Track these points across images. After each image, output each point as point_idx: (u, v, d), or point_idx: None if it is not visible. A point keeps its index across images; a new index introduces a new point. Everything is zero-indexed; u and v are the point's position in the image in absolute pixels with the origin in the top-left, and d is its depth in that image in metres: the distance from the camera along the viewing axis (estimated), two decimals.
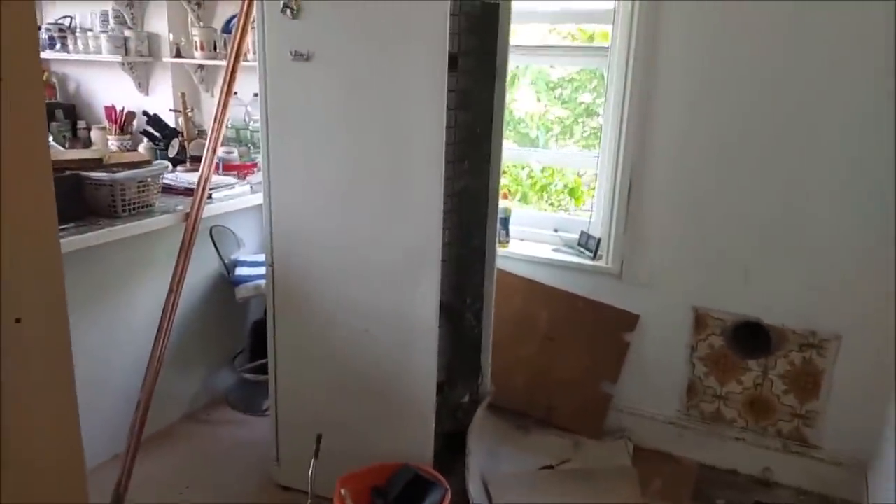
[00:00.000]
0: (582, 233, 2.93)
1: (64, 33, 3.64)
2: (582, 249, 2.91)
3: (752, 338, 2.60)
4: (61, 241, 1.36)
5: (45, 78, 3.77)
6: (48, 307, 1.07)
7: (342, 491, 2.06)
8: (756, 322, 2.57)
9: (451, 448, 2.41)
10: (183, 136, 3.22)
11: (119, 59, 3.51)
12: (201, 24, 3.44)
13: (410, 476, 2.18)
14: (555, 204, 3.71)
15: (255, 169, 3.03)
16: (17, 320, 1.01)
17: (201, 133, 3.28)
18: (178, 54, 3.45)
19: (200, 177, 2.58)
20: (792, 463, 2.59)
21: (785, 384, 2.57)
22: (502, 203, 2.75)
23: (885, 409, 2.34)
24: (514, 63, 2.80)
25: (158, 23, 3.57)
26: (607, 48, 2.78)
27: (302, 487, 2.17)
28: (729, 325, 2.62)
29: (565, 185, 3.77)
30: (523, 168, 3.73)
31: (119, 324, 2.59)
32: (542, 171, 3.77)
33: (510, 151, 3.30)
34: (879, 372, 2.38)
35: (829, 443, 2.53)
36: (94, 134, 3.63)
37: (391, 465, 2.21)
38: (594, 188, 3.04)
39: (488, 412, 2.67)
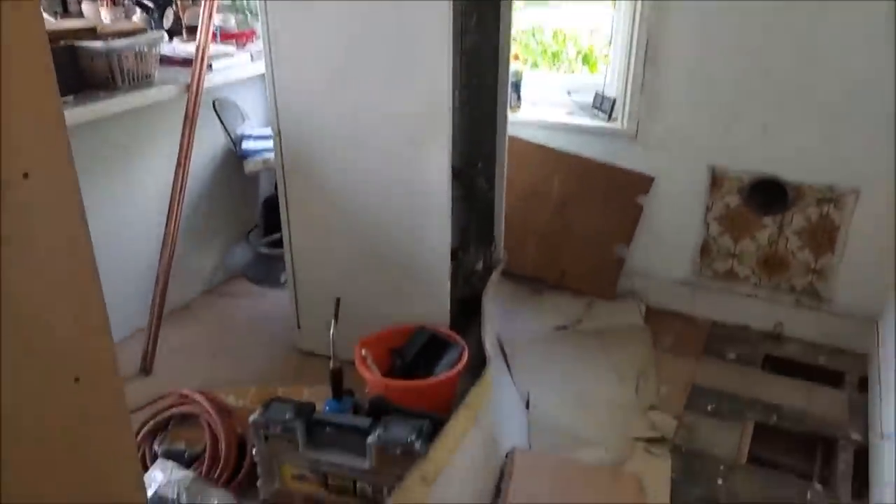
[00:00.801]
0: (596, 94, 2.84)
1: None
2: (596, 111, 2.82)
3: (768, 195, 2.56)
4: None
5: None
6: (54, 164, 1.04)
7: (363, 351, 2.12)
8: (773, 179, 2.53)
9: (466, 313, 2.46)
10: (177, 4, 3.07)
11: None
12: None
13: (427, 337, 2.24)
14: (567, 72, 3.57)
15: (254, 37, 2.91)
16: (25, 175, 0.98)
17: (196, 1, 3.12)
18: None
19: (198, 45, 2.48)
20: (803, 317, 2.63)
21: (800, 240, 2.56)
22: (513, 66, 2.65)
23: None
24: None
25: None
26: None
27: (323, 352, 2.23)
28: (745, 183, 2.58)
29: (578, 52, 3.61)
30: (534, 35, 3.56)
31: (129, 200, 2.59)
32: (554, 37, 3.61)
33: (520, 12, 3.13)
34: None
35: (841, 296, 2.55)
36: (86, 7, 3.45)
37: (409, 327, 2.27)
38: (607, 55, 2.91)
39: (502, 278, 2.70)
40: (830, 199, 2.47)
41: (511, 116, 2.62)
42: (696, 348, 2.62)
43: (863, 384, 2.38)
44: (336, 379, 1.94)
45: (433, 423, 1.70)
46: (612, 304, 2.82)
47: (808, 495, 1.86)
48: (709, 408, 2.28)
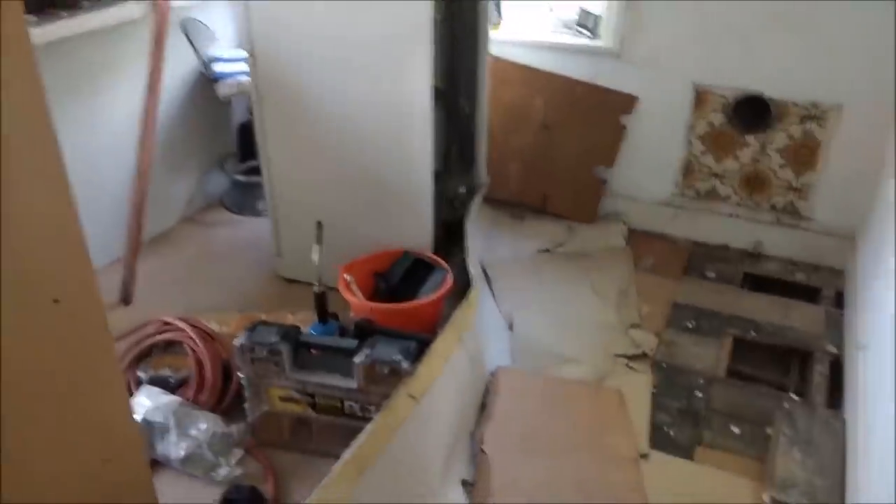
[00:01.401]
0: (581, 10, 2.75)
1: None
2: (580, 29, 2.75)
3: (752, 113, 2.54)
4: None
5: None
6: (23, 84, 0.98)
7: (346, 276, 2.11)
8: (757, 96, 2.50)
9: (449, 237, 2.45)
10: None
11: None
12: None
13: (411, 261, 2.23)
14: None
15: None
16: None
17: None
18: None
19: None
20: (782, 235, 2.65)
21: (782, 158, 2.56)
22: None
23: (880, 176, 2.35)
24: None
25: None
26: None
27: (306, 279, 2.22)
28: (730, 100, 2.55)
29: None
30: None
31: (100, 127, 2.50)
32: None
33: None
34: (877, 141, 2.35)
35: (820, 214, 2.58)
36: None
37: (392, 251, 2.25)
38: None
39: (484, 203, 2.69)
40: (814, 115, 2.45)
41: (492, 35, 2.54)
42: (677, 268, 2.64)
43: (839, 299, 2.43)
44: (321, 302, 1.93)
45: (419, 343, 1.71)
46: (594, 227, 2.83)
47: (785, 404, 1.91)
48: (689, 325, 2.32)
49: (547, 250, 2.69)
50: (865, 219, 2.43)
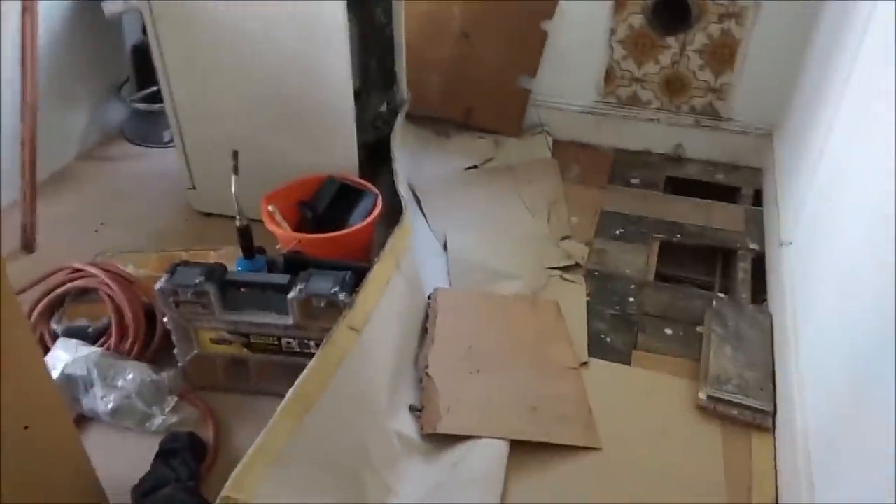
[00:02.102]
0: None
1: None
2: None
3: (672, 14, 2.50)
4: None
5: None
6: None
7: (269, 207, 1.99)
8: None
9: (374, 159, 2.35)
10: None
11: None
12: None
13: (337, 186, 2.13)
14: None
15: None
16: None
17: None
18: None
19: None
20: (703, 137, 2.69)
21: (701, 59, 2.56)
22: None
23: (796, 73, 2.39)
24: None
25: None
26: None
27: (224, 212, 2.09)
28: (649, 1, 2.50)
29: None
30: None
31: None
32: None
33: None
34: (794, 37, 2.37)
35: (739, 114, 2.61)
36: None
37: (316, 177, 2.14)
38: None
39: (408, 121, 2.58)
40: (732, 13, 2.44)
41: None
42: (602, 176, 2.65)
43: (758, 197, 2.50)
44: (245, 237, 1.82)
45: (355, 273, 1.65)
46: (520, 140, 2.78)
47: (713, 303, 1.98)
48: (617, 232, 2.35)
49: (475, 166, 2.63)
50: (782, 116, 2.48)
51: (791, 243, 1.93)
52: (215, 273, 1.66)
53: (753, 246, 2.25)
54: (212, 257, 2.02)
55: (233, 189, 1.77)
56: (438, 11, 2.71)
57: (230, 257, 1.92)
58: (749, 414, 1.68)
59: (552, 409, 1.68)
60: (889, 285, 1.18)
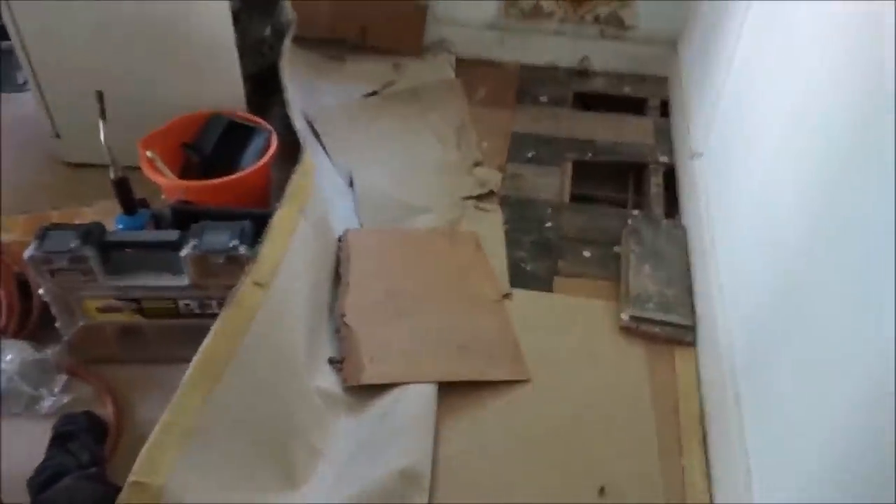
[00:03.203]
0: None
1: None
2: None
3: None
4: None
5: None
6: None
7: (148, 153, 1.77)
8: None
9: (263, 90, 2.14)
10: None
11: None
12: None
13: (224, 124, 1.93)
14: None
15: None
16: None
17: None
18: None
19: None
20: (608, 49, 2.62)
21: None
22: None
23: None
24: None
25: None
26: None
27: (97, 161, 1.85)
28: None
29: None
30: None
31: None
32: None
33: None
34: None
35: (643, 22, 2.55)
36: None
37: (199, 115, 1.93)
38: None
39: (297, 45, 2.35)
40: None
41: None
42: (510, 95, 2.55)
43: (665, 108, 2.48)
44: (123, 190, 1.62)
45: (254, 221, 1.49)
46: (422, 61, 2.61)
47: (629, 222, 1.95)
48: (529, 155, 2.27)
49: (375, 92, 2.46)
50: (686, 23, 2.43)
51: (702, 154, 1.91)
52: (93, 234, 1.46)
53: (664, 159, 2.23)
54: (87, 215, 1.79)
55: (102, 136, 1.55)
56: None
57: (108, 213, 1.70)
58: (671, 330, 1.68)
59: (479, 346, 1.62)
60: (809, 192, 1.16)
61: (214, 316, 1.33)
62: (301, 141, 1.82)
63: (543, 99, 2.54)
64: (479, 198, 2.07)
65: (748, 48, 1.67)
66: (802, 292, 1.14)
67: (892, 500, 0.78)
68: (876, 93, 0.97)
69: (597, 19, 2.57)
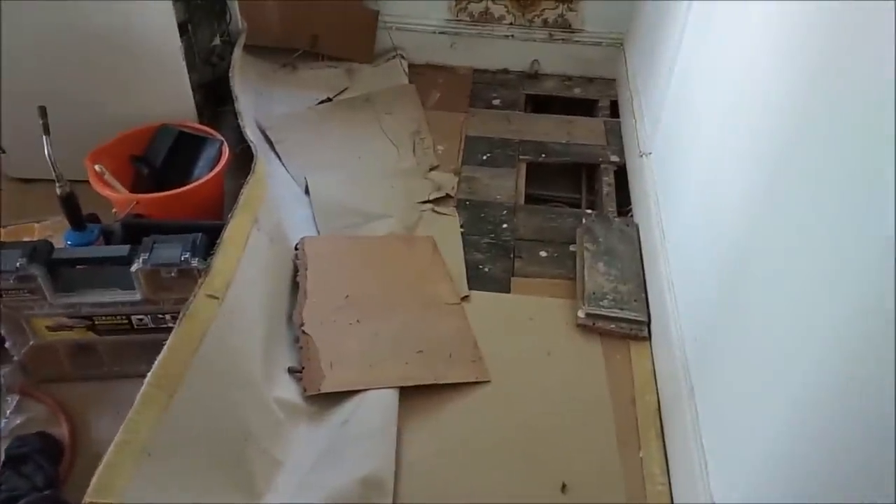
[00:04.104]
0: None
1: None
2: None
3: None
4: None
5: None
6: None
7: (96, 167, 1.74)
8: None
9: (213, 100, 2.12)
10: None
11: None
12: None
13: (175, 135, 1.90)
14: None
15: None
16: None
17: None
18: None
19: None
20: (557, 51, 2.66)
21: None
22: None
23: None
24: None
25: None
26: None
27: (45, 176, 1.80)
28: None
29: None
30: None
31: None
32: None
33: None
34: None
35: (590, 25, 2.60)
36: None
37: (147, 128, 1.90)
38: None
39: (247, 54, 2.34)
40: None
41: None
42: (463, 99, 2.57)
43: (614, 108, 2.52)
44: (70, 206, 1.58)
45: (207, 233, 1.48)
46: (374, 67, 2.62)
47: (583, 221, 1.99)
48: (484, 157, 2.29)
49: (328, 99, 2.45)
50: (631, 25, 2.49)
51: (651, 153, 1.95)
52: (40, 252, 1.42)
53: (615, 158, 2.27)
54: (35, 231, 1.76)
55: (47, 151, 1.52)
56: None
57: (58, 229, 1.68)
58: (626, 326, 1.72)
59: (438, 349, 1.63)
60: (748, 188, 1.20)
61: (168, 330, 1.32)
62: (254, 150, 1.81)
63: (496, 102, 2.57)
64: (436, 202, 2.09)
65: (689, 49, 1.72)
66: (743, 286, 1.18)
67: (838, 499, 0.81)
68: (810, 91, 1.01)
69: (545, 23, 2.61)
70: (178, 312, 1.33)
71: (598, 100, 2.57)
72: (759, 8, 1.26)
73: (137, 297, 1.44)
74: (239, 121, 1.94)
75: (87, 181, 1.74)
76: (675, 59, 1.80)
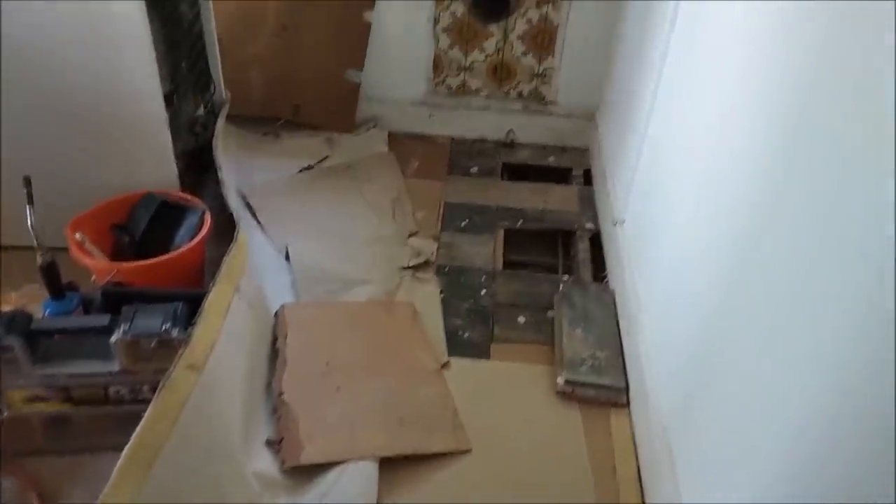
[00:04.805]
0: None
1: None
2: None
3: (492, 1, 2.52)
4: None
5: None
6: None
7: (77, 236, 1.75)
8: None
9: (196, 169, 2.15)
10: None
11: None
12: None
13: (157, 204, 1.92)
14: None
15: None
16: None
17: None
18: None
19: None
20: (532, 122, 2.75)
21: (524, 45, 2.60)
22: None
23: (612, 55, 2.49)
24: None
25: None
26: None
27: (23, 243, 1.80)
28: None
29: None
30: None
31: None
32: None
33: None
34: (607, 20, 2.47)
35: (563, 98, 2.70)
36: None
37: (130, 195, 1.92)
38: None
39: (230, 123, 2.39)
40: None
41: None
42: (442, 167, 2.63)
43: (587, 177, 2.60)
44: (50, 274, 1.58)
45: (188, 302, 1.48)
46: (355, 136, 2.69)
47: (560, 287, 2.02)
48: (462, 224, 2.34)
49: (310, 167, 2.50)
50: (603, 97, 2.59)
51: (624, 221, 2.01)
52: (19, 322, 1.41)
53: (590, 225, 2.33)
54: (13, 301, 1.74)
55: (29, 222, 1.53)
56: (252, 4, 2.53)
57: (36, 298, 1.66)
58: (605, 393, 1.73)
59: (419, 417, 1.62)
60: (720, 255, 1.24)
61: (146, 401, 1.30)
62: (235, 219, 1.83)
63: (474, 170, 2.63)
64: (416, 268, 2.11)
65: (659, 119, 1.79)
66: (719, 354, 1.21)
67: None
68: (774, 167, 1.07)
69: (520, 95, 2.71)
70: (157, 383, 1.32)
71: (571, 168, 2.65)
72: (728, 76, 1.33)
73: (116, 367, 1.43)
74: (221, 189, 1.97)
75: (67, 248, 1.74)
76: (646, 130, 1.87)
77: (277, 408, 1.59)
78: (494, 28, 2.58)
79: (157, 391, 1.30)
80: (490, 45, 2.61)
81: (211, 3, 2.20)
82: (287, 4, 2.53)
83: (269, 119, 2.66)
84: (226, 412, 1.43)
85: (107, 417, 1.50)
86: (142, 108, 1.87)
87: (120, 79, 1.82)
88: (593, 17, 2.50)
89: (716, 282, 1.26)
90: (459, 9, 2.54)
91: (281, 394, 1.62)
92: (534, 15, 2.53)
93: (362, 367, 1.74)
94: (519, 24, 2.56)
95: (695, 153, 1.48)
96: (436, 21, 2.57)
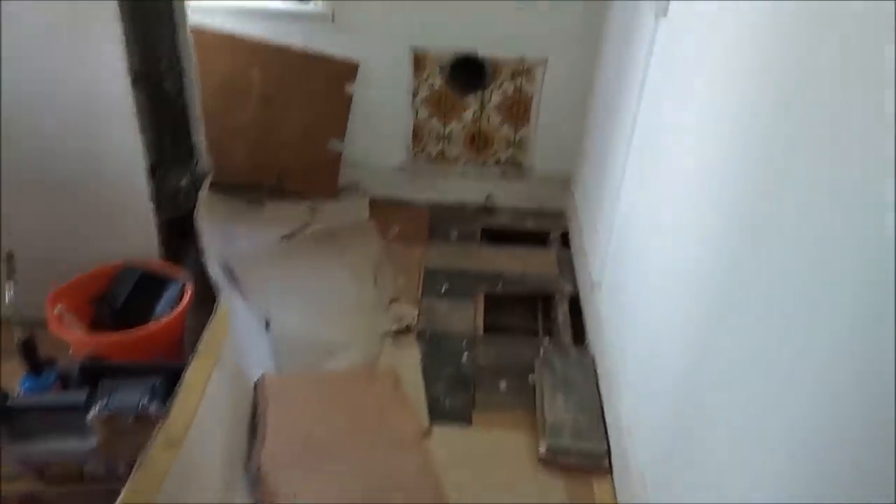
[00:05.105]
0: None
1: None
2: None
3: (468, 74, 2.61)
4: None
5: None
6: None
7: (55, 309, 1.75)
8: (471, 55, 2.57)
9: (178, 238, 2.16)
10: None
11: None
12: None
13: (137, 275, 1.93)
14: None
15: None
16: None
17: None
18: None
19: None
20: (509, 187, 2.81)
21: (500, 114, 2.68)
22: None
23: (585, 122, 2.58)
24: None
25: None
26: None
27: (5, 318, 1.80)
28: (446, 62, 2.59)
29: None
30: None
31: None
32: None
33: None
34: (580, 89, 2.57)
35: (539, 164, 2.77)
36: None
37: (110, 267, 1.93)
38: None
39: (214, 192, 2.42)
40: (522, 70, 2.59)
41: (192, 3, 2.24)
42: (422, 233, 2.67)
43: (565, 239, 2.65)
44: (28, 350, 1.57)
45: (167, 375, 1.48)
46: (337, 203, 2.73)
47: (541, 352, 2.04)
48: (442, 289, 2.36)
49: (292, 234, 2.53)
50: (577, 163, 2.66)
51: (601, 284, 2.04)
52: None
53: (569, 288, 2.36)
54: None
55: (7, 298, 1.53)
56: (236, 76, 2.60)
57: (13, 374, 1.65)
58: (587, 460, 1.73)
59: (400, 489, 1.61)
60: (690, 325, 1.27)
61: (121, 480, 1.28)
62: (216, 289, 1.84)
63: (453, 235, 2.68)
64: (397, 333, 2.12)
65: (631, 186, 1.85)
66: (695, 415, 1.22)
67: None
68: (741, 236, 1.11)
69: (498, 162, 2.78)
70: (134, 460, 1.30)
71: (549, 231, 2.71)
72: (694, 142, 1.38)
73: (92, 444, 1.41)
74: (202, 258, 1.98)
75: (45, 320, 1.73)
76: (619, 194, 1.93)
77: (256, 482, 1.57)
78: (471, 99, 2.66)
79: (134, 469, 1.28)
80: (468, 115, 2.69)
81: (196, 77, 2.25)
82: (269, 77, 2.61)
83: (253, 186, 2.70)
84: (203, 489, 1.41)
85: (81, 496, 1.47)
86: (126, 180, 1.90)
87: (105, 153, 1.86)
88: (566, 88, 2.60)
89: (687, 347, 1.29)
90: (437, 81, 2.63)
91: (259, 466, 1.59)
92: (509, 87, 2.62)
93: (342, 439, 1.73)
94: (495, 95, 2.65)
95: (662, 218, 1.53)
96: (415, 93, 2.65)
